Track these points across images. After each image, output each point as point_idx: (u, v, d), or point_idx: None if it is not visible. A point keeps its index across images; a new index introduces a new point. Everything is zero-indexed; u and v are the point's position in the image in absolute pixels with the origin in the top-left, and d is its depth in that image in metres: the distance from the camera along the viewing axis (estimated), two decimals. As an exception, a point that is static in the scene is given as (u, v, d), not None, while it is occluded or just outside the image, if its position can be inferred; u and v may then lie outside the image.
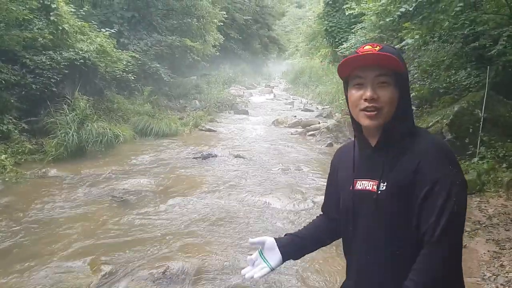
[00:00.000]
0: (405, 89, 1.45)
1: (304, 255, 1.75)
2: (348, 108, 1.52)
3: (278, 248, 1.65)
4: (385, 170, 1.42)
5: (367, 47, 1.42)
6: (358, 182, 1.50)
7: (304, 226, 1.82)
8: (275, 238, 1.69)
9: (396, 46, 10.87)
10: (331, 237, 1.74)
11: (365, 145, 1.51)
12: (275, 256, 1.64)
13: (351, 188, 1.52)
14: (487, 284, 3.96)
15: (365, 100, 1.41)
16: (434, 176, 1.33)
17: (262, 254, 1.64)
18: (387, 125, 1.43)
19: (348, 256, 1.60)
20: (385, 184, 1.41)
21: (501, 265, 4.27)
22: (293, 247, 1.69)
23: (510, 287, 3.87)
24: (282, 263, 1.66)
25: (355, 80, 1.45)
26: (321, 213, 1.82)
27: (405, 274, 1.35)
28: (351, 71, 1.45)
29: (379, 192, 1.42)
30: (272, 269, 1.63)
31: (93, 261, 4.44)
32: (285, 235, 1.75)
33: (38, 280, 4.09)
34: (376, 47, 1.42)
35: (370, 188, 1.45)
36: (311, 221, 1.83)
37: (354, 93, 1.45)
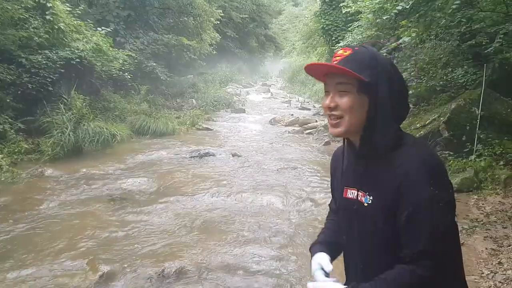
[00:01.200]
0: (376, 98, 1.36)
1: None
2: None
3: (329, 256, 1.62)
4: (366, 180, 1.41)
5: (340, 52, 1.41)
6: (348, 190, 1.50)
7: (322, 232, 1.76)
8: (321, 251, 1.63)
9: (393, 44, 10.90)
10: None
11: (351, 150, 1.50)
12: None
13: (342, 195, 1.52)
14: (485, 281, 3.96)
15: (325, 108, 1.42)
16: (414, 200, 1.29)
17: (324, 271, 1.56)
18: (363, 132, 1.40)
19: (345, 262, 1.60)
20: (371, 198, 1.39)
21: (499, 263, 4.27)
22: (334, 252, 1.64)
23: (508, 284, 3.87)
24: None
25: (325, 87, 1.45)
26: (329, 214, 1.81)
27: None
28: (318, 78, 1.46)
29: (366, 204, 1.40)
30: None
31: (91, 260, 4.42)
32: (317, 244, 1.68)
33: (35, 280, 4.07)
34: (347, 51, 1.40)
35: (359, 198, 1.44)
36: (325, 223, 1.79)
37: (323, 101, 1.45)
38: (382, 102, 1.37)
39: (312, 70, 1.46)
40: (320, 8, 20.09)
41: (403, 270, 1.30)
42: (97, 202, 6.38)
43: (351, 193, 1.48)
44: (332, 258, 1.62)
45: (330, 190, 1.75)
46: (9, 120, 8.43)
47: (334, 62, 1.38)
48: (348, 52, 1.39)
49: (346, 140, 1.51)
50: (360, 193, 1.43)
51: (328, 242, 1.66)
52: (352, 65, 1.35)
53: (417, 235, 1.29)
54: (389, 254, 1.36)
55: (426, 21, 8.16)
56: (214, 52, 21.33)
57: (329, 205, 1.82)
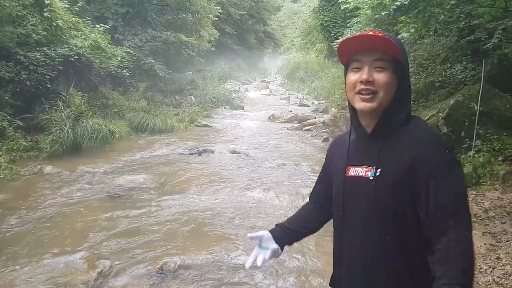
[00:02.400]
0: (403, 77, 1.45)
1: (295, 241, 1.85)
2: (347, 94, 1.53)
3: (274, 239, 1.75)
4: (373, 158, 1.43)
5: (370, 32, 1.43)
6: (351, 168, 1.51)
7: (293, 215, 1.88)
8: (269, 231, 1.78)
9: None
10: (319, 225, 1.82)
11: (361, 132, 1.52)
12: (273, 245, 1.74)
13: (344, 174, 1.53)
14: (484, 276, 3.97)
15: (361, 82, 1.42)
16: (433, 163, 1.33)
17: (261, 246, 1.74)
18: (384, 112, 1.43)
19: (338, 245, 1.60)
20: (378, 171, 1.41)
21: (498, 258, 4.27)
22: (287, 237, 1.78)
23: (506, 279, 3.88)
24: (280, 252, 1.77)
25: (353, 64, 1.46)
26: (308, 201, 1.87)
27: (396, 262, 1.39)
28: (351, 55, 1.46)
29: (372, 178, 1.42)
30: (272, 255, 1.74)
31: (90, 257, 4.43)
32: (276, 225, 1.83)
33: (34, 277, 4.07)
34: (378, 33, 1.43)
35: (363, 174, 1.45)
36: (300, 208, 1.89)
37: (351, 76, 1.46)
38: (407, 84, 1.48)
39: (353, 43, 1.44)
40: (319, 5, 20.09)
41: (454, 249, 1.30)
42: (96, 199, 6.38)
43: (354, 171, 1.50)
44: (287, 240, 1.79)
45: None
46: (8, 117, 8.41)
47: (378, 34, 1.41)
48: (381, 34, 1.42)
49: (354, 122, 1.53)
50: (365, 169, 1.45)
51: (290, 229, 1.79)
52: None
53: (444, 194, 1.32)
54: (389, 229, 1.39)
55: (424, 16, 8.14)
56: (213, 48, 21.30)
57: (310, 194, 1.89)
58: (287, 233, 1.78)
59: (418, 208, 1.35)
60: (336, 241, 1.61)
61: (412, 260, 1.38)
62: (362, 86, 1.42)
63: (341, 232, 1.56)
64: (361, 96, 1.43)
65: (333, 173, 1.63)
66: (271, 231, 1.78)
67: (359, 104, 1.44)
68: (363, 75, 1.41)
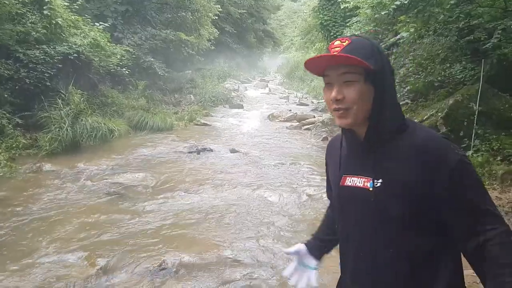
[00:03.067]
0: (381, 85, 1.37)
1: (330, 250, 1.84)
2: None
3: (309, 252, 1.80)
4: (375, 166, 1.38)
5: (337, 42, 1.38)
6: (347, 178, 1.47)
7: (324, 224, 1.87)
8: (304, 243, 1.82)
9: (391, 40, 10.90)
10: None
11: (353, 140, 1.46)
12: (311, 260, 1.78)
13: (339, 184, 1.49)
14: (482, 276, 3.98)
15: (331, 101, 1.38)
16: (449, 165, 1.29)
17: (303, 263, 1.79)
18: (370, 121, 1.38)
19: (342, 251, 1.57)
20: (379, 181, 1.36)
21: (496, 257, 4.28)
22: (321, 249, 1.81)
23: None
24: (319, 263, 1.80)
25: (325, 79, 1.41)
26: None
27: (402, 271, 1.35)
28: (321, 71, 1.41)
29: (371, 189, 1.37)
30: (316, 269, 1.77)
31: (89, 255, 4.44)
32: (312, 236, 1.86)
33: (33, 275, 4.08)
34: (345, 41, 1.36)
35: (361, 185, 1.41)
36: (326, 216, 1.88)
37: (325, 94, 1.42)
38: (389, 89, 1.39)
39: (314, 63, 1.40)
40: (318, 4, 20.05)
41: (497, 245, 1.26)
42: (95, 197, 6.39)
43: (351, 181, 1.45)
44: (321, 253, 1.80)
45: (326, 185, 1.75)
46: (7, 115, 8.41)
47: (334, 53, 1.35)
48: (346, 42, 1.36)
49: (346, 129, 1.47)
50: (363, 179, 1.41)
51: (320, 239, 1.81)
52: (357, 54, 1.32)
53: (472, 198, 1.30)
54: (391, 238, 1.36)
55: (424, 16, 8.16)
56: (212, 47, 21.29)
57: (327, 195, 1.82)
58: (321, 246, 1.81)
59: (444, 214, 1.32)
60: (340, 248, 1.59)
61: (418, 267, 1.35)
62: (335, 105, 1.38)
63: (344, 240, 1.54)
64: (336, 113, 1.39)
65: (331, 181, 1.61)
66: (306, 244, 1.81)
67: (337, 121, 1.41)
68: (332, 93, 1.36)
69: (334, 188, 1.55)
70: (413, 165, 1.32)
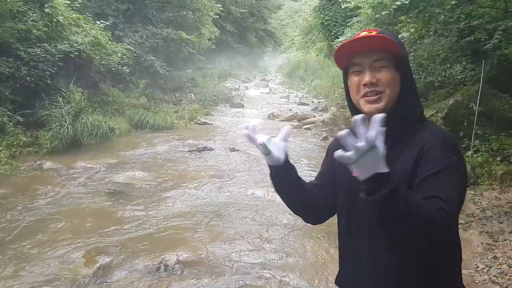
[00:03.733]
0: (406, 72, 1.42)
1: (291, 191, 1.63)
2: (347, 99, 1.48)
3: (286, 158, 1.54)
4: (389, 158, 1.32)
5: (363, 33, 1.39)
6: None
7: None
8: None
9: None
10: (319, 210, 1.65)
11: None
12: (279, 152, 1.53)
13: (352, 174, 1.39)
14: (480, 275, 4.00)
15: (365, 85, 1.38)
16: (436, 164, 1.27)
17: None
18: (391, 110, 1.36)
19: (342, 247, 1.56)
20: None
21: (494, 257, 4.31)
22: (293, 176, 1.60)
23: (503, 278, 3.91)
24: (278, 161, 1.55)
25: (353, 68, 1.42)
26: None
27: (408, 267, 1.34)
28: (348, 60, 1.42)
29: None
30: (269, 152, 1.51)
31: (88, 253, 4.45)
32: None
33: (33, 272, 4.10)
34: (372, 32, 1.38)
35: None
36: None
37: (354, 79, 1.42)
38: (410, 78, 1.44)
39: (348, 48, 1.39)
40: (319, 3, 20.04)
41: (428, 203, 1.19)
42: (95, 195, 6.40)
43: None
44: (293, 177, 1.60)
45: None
46: (8, 113, 8.42)
47: (371, 33, 1.37)
48: (374, 32, 1.38)
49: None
50: None
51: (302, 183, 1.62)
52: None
53: (437, 189, 1.24)
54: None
55: (425, 16, 8.16)
56: (213, 46, 21.29)
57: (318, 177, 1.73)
58: (297, 180, 1.61)
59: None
60: (342, 243, 1.56)
61: (425, 263, 1.34)
62: (367, 89, 1.38)
63: (347, 233, 1.51)
64: (367, 98, 1.39)
65: (337, 176, 1.55)
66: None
67: (366, 107, 1.39)
68: (366, 77, 1.37)
69: (344, 180, 1.47)
70: (411, 156, 1.33)
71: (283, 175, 1.57)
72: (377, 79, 1.37)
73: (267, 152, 1.51)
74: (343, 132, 1.08)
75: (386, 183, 1.10)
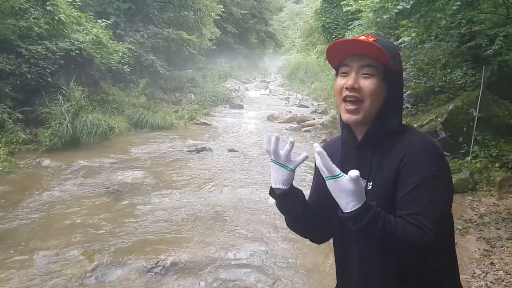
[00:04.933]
0: (394, 87, 1.38)
1: (297, 215, 1.54)
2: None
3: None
4: (365, 170, 1.36)
5: (362, 37, 1.37)
6: None
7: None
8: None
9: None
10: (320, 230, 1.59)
11: (352, 140, 1.44)
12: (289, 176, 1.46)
13: None
14: (477, 281, 4.00)
15: (346, 88, 1.35)
16: (417, 177, 1.26)
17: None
18: (373, 122, 1.36)
19: (340, 260, 1.53)
20: (370, 184, 1.35)
21: (491, 263, 4.31)
22: (301, 202, 1.52)
23: (499, 284, 3.91)
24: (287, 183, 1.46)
25: (342, 69, 1.39)
26: None
27: (400, 274, 1.32)
28: (341, 60, 1.40)
29: (366, 192, 1.31)
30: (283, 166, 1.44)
31: (86, 251, 4.45)
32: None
33: (31, 270, 4.09)
34: (371, 38, 1.36)
35: None
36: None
37: (338, 82, 1.39)
38: (399, 92, 1.42)
39: (341, 47, 1.37)
40: (321, 6, 20.09)
41: (408, 224, 1.20)
42: (94, 193, 6.40)
43: None
44: (300, 202, 1.51)
45: None
46: (8, 109, 8.42)
47: (368, 39, 1.35)
48: (372, 39, 1.36)
49: (346, 129, 1.45)
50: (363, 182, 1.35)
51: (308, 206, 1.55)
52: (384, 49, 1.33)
53: (418, 204, 1.24)
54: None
55: (426, 21, 8.17)
56: (214, 47, 21.31)
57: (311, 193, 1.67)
58: (304, 204, 1.53)
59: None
60: (338, 256, 1.54)
61: (412, 274, 1.33)
62: (347, 93, 1.35)
63: (341, 244, 1.50)
64: (346, 106, 1.36)
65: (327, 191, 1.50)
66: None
67: (344, 116, 1.38)
68: (349, 80, 1.35)
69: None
70: (393, 166, 1.31)
71: (293, 196, 1.49)
72: (359, 85, 1.34)
73: (291, 170, 1.44)
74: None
75: (364, 212, 1.16)
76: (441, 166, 1.30)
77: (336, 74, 1.44)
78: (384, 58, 1.33)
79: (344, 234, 1.45)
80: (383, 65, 1.34)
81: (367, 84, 1.34)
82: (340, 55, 1.39)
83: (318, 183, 1.57)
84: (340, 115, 1.46)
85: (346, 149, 1.47)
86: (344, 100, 1.37)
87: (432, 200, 1.25)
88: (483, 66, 7.70)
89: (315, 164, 1.48)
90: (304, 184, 7.21)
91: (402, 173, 1.29)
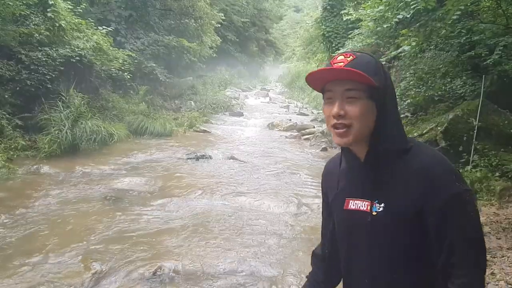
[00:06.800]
0: (384, 102, 1.33)
1: None
2: None
3: None
4: (376, 189, 1.34)
5: (340, 57, 1.32)
6: (351, 201, 1.40)
7: (316, 265, 1.67)
8: None
9: (392, 53, 10.94)
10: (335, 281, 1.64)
11: (353, 160, 1.40)
12: None
13: (342, 208, 1.42)
14: (478, 292, 3.96)
15: (333, 116, 1.32)
16: (445, 195, 1.25)
17: None
18: (371, 141, 1.33)
19: (347, 282, 1.50)
20: (382, 206, 1.32)
21: (492, 273, 4.27)
22: None
23: (500, 295, 3.88)
24: None
25: (326, 94, 1.35)
26: (318, 252, 1.68)
27: None
28: (323, 85, 1.35)
29: (375, 213, 1.32)
30: None
31: (85, 259, 4.42)
32: (306, 278, 1.69)
33: (29, 277, 4.06)
34: (349, 57, 1.31)
35: (365, 208, 1.35)
36: (314, 255, 1.69)
37: (325, 109, 1.36)
38: (391, 107, 1.35)
39: (317, 76, 1.34)
40: (321, 15, 20.14)
41: None
42: (92, 200, 6.37)
43: (354, 204, 1.39)
44: None
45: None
46: (7, 116, 8.43)
47: (340, 66, 1.30)
48: (351, 58, 1.31)
49: (345, 149, 1.42)
50: (366, 203, 1.35)
51: (317, 281, 1.62)
52: (362, 69, 1.27)
53: (459, 239, 1.25)
54: (400, 265, 1.32)
55: (426, 30, 8.19)
56: (214, 55, 21.36)
57: (313, 251, 1.70)
58: (315, 286, 1.63)
59: (430, 247, 1.29)
60: (344, 277, 1.52)
61: None
62: (335, 121, 1.31)
63: (348, 268, 1.47)
64: (336, 131, 1.32)
65: (332, 208, 1.50)
66: None
67: (336, 139, 1.34)
68: (334, 108, 1.30)
69: (338, 213, 1.47)
70: (414, 190, 1.28)
71: None
72: (345, 111, 1.30)
73: None
74: None
75: None
76: (461, 180, 1.30)
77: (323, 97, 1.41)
78: (366, 80, 1.28)
79: (351, 263, 1.45)
80: (367, 85, 1.29)
81: (353, 109, 1.30)
82: (321, 83, 1.36)
83: (325, 213, 1.61)
84: None
85: (348, 170, 1.45)
86: (334, 127, 1.33)
87: (468, 221, 1.27)
88: (483, 76, 7.70)
89: (323, 192, 1.58)
90: (310, 194, 7.20)
91: (428, 199, 1.27)
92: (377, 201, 1.33)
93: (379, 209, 1.32)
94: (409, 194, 1.28)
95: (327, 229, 1.57)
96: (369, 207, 1.34)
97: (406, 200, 1.28)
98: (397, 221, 1.29)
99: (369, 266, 1.37)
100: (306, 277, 1.68)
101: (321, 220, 1.63)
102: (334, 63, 1.32)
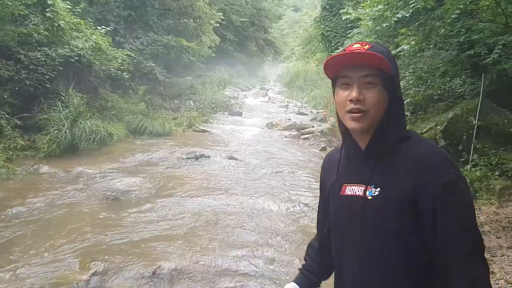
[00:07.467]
0: (394, 91, 1.37)
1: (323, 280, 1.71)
2: (336, 112, 1.45)
3: None
4: (374, 174, 1.36)
5: (356, 45, 1.35)
6: (347, 187, 1.42)
7: (310, 254, 1.74)
8: (294, 281, 1.66)
9: (391, 52, 10.98)
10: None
11: (354, 148, 1.43)
12: None
13: (339, 194, 1.45)
14: (478, 291, 3.96)
15: (351, 101, 1.34)
16: (440, 182, 1.26)
17: None
18: (377, 129, 1.36)
19: (338, 270, 1.51)
20: (378, 190, 1.33)
21: (492, 272, 4.27)
22: (313, 283, 1.66)
23: (500, 294, 3.88)
24: None
25: (341, 80, 1.37)
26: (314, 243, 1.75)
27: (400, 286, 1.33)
28: (338, 70, 1.38)
29: (370, 197, 1.34)
30: None
31: (84, 259, 4.41)
32: (299, 270, 1.72)
33: (28, 277, 4.05)
34: (365, 45, 1.35)
35: (361, 193, 1.37)
36: (310, 246, 1.76)
37: (341, 94, 1.37)
38: (399, 96, 1.41)
39: (336, 60, 1.36)
40: (320, 14, 20.12)
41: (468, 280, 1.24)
42: (91, 200, 6.37)
43: (351, 190, 1.41)
44: (313, 283, 1.66)
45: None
46: (6, 116, 8.41)
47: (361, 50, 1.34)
48: (367, 46, 1.34)
49: (347, 137, 1.44)
50: (362, 187, 1.37)
51: (310, 271, 1.67)
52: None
53: (455, 225, 1.26)
54: (393, 252, 1.32)
55: (425, 30, 8.18)
56: (213, 54, 21.34)
57: (309, 243, 1.75)
58: (312, 281, 1.66)
59: (425, 236, 1.30)
60: (335, 266, 1.52)
61: (417, 283, 1.33)
62: (352, 105, 1.33)
63: (340, 256, 1.48)
64: (351, 115, 1.34)
65: (330, 195, 1.52)
66: (296, 281, 1.65)
67: (350, 124, 1.36)
68: (353, 93, 1.33)
69: (334, 199, 1.48)
70: (411, 176, 1.29)
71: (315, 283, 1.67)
72: (364, 97, 1.33)
73: None
74: None
75: None
76: (456, 168, 1.34)
77: (333, 85, 1.43)
78: (384, 65, 1.32)
79: (342, 260, 1.48)
80: (384, 72, 1.33)
81: (371, 94, 1.33)
82: (338, 66, 1.38)
83: (321, 204, 1.64)
84: (339, 124, 1.45)
85: (348, 159, 1.47)
86: (350, 111, 1.35)
87: (463, 210, 1.28)
88: (482, 75, 7.69)
89: (321, 182, 1.60)
90: (309, 193, 7.20)
91: (423, 185, 1.28)
92: (373, 186, 1.35)
93: (374, 193, 1.34)
94: (407, 179, 1.30)
95: (322, 222, 1.61)
96: (364, 192, 1.36)
97: (404, 185, 1.30)
98: (391, 206, 1.30)
99: (360, 253, 1.38)
100: (299, 269, 1.71)
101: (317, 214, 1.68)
102: (350, 50, 1.35)
